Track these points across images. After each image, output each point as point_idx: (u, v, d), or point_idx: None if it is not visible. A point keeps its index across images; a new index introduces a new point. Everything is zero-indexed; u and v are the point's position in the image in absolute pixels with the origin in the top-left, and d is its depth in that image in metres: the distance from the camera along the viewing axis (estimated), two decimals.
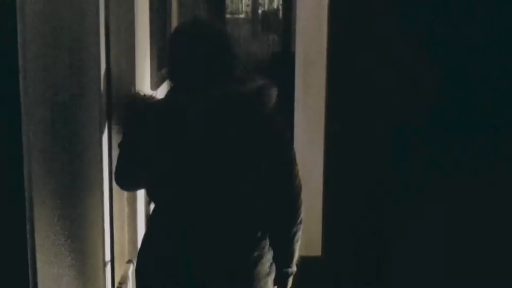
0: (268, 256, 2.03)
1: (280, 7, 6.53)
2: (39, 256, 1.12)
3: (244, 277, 1.97)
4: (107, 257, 2.09)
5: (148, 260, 2.01)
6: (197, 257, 1.94)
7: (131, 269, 2.33)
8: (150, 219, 2.12)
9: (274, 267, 2.07)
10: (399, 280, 3.81)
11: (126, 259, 2.37)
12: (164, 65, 3.05)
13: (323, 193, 4.00)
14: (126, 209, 2.33)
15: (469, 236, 3.84)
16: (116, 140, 2.19)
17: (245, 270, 1.97)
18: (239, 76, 1.94)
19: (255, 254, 1.98)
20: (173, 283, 1.96)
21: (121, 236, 2.35)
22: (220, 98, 1.84)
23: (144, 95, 2.05)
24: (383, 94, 3.87)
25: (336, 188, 4.01)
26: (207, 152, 1.88)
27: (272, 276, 2.07)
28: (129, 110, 1.97)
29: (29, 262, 1.06)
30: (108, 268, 2.11)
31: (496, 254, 3.83)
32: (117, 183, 2.12)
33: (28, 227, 1.06)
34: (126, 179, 2.08)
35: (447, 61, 3.85)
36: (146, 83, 2.52)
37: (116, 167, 2.07)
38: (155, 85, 2.69)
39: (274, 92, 1.93)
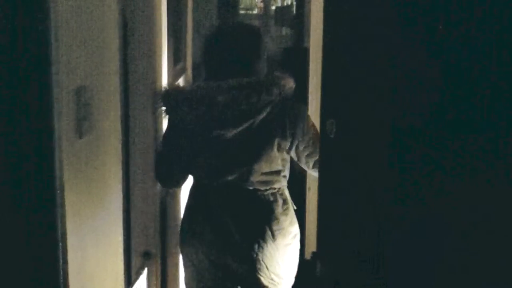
0: (290, 229, 2.35)
1: (294, 3, 6.55)
2: (68, 241, 1.17)
3: (266, 244, 2.29)
4: (125, 248, 2.14)
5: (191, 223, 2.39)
6: (228, 224, 2.29)
7: (148, 261, 2.38)
8: (191, 191, 2.44)
9: (297, 239, 2.42)
10: (396, 277, 3.82)
11: (143, 251, 2.42)
12: (180, 60, 3.10)
13: (319, 188, 4.01)
14: (143, 201, 2.37)
15: (469, 234, 3.84)
16: (133, 133, 2.24)
17: (267, 238, 2.29)
18: (261, 68, 2.35)
19: (274, 226, 2.30)
20: (208, 241, 2.33)
21: (139, 227, 2.39)
22: (245, 84, 2.20)
23: (183, 86, 2.41)
24: (382, 92, 3.87)
25: (332, 184, 4.01)
26: (237, 127, 2.21)
27: (294, 246, 2.40)
28: (182, 98, 2.24)
29: (60, 245, 1.12)
30: (125, 259, 2.16)
31: (496, 254, 3.82)
32: (161, 172, 2.36)
33: (59, 213, 1.11)
34: (169, 167, 2.36)
35: (447, 59, 3.84)
36: (164, 78, 2.56)
37: (160, 159, 2.33)
38: (172, 80, 2.74)
39: (289, 81, 2.31)
